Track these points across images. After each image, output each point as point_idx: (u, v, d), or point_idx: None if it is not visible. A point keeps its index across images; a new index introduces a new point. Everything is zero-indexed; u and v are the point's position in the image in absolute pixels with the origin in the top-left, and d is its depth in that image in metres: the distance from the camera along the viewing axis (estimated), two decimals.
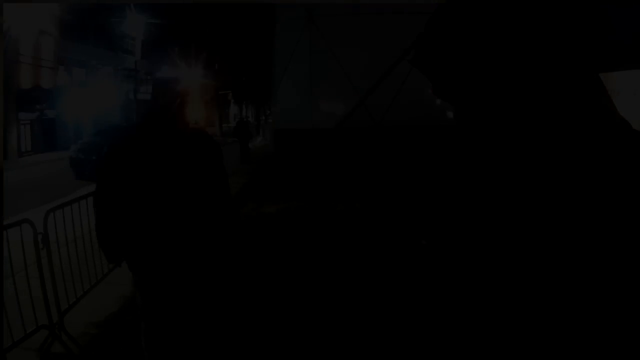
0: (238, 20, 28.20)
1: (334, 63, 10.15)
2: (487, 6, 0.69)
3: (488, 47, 0.68)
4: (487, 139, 0.72)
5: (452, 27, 0.71)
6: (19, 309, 3.16)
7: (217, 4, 24.24)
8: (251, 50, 30.83)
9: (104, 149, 2.23)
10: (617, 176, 0.62)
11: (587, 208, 0.62)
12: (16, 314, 3.11)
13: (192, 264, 2.23)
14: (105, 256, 2.29)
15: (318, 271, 4.56)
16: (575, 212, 0.62)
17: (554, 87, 0.67)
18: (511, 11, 0.67)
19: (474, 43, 0.69)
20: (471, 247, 0.72)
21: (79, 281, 3.94)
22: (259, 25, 23.59)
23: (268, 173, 12.20)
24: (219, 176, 2.32)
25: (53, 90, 23.48)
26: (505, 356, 0.68)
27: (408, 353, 2.75)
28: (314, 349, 3.10)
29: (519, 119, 0.69)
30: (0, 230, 2.73)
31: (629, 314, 0.59)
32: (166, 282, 2.23)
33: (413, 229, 5.54)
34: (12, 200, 5.68)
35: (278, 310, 3.67)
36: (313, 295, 3.94)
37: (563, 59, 0.68)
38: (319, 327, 3.34)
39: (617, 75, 7.08)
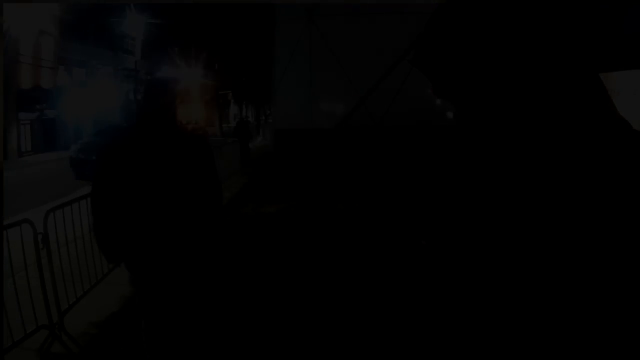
0: (238, 20, 28.22)
1: (334, 63, 10.15)
2: (487, 6, 0.69)
3: (488, 47, 0.68)
4: (487, 138, 0.72)
5: (452, 27, 0.71)
6: (19, 309, 3.16)
7: (217, 4, 24.27)
8: (251, 51, 30.85)
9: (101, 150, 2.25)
10: (617, 176, 0.62)
11: (587, 207, 0.62)
12: (16, 314, 3.11)
13: (185, 261, 2.26)
14: (105, 256, 2.30)
15: (318, 271, 4.56)
16: (575, 211, 0.62)
17: (554, 86, 0.67)
18: (511, 11, 0.67)
19: (474, 43, 0.69)
20: (471, 247, 0.72)
21: (79, 281, 3.94)
22: (259, 26, 23.57)
23: (268, 173, 12.20)
24: (209, 177, 2.34)
25: (53, 90, 23.48)
26: (506, 356, 0.68)
27: (408, 353, 2.75)
28: (313, 348, 3.10)
29: (519, 118, 0.69)
30: (0, 230, 2.73)
31: (629, 313, 0.59)
32: (161, 279, 2.26)
33: (413, 229, 5.54)
34: (12, 200, 5.69)
35: (277, 310, 3.67)
36: (313, 295, 3.94)
37: (563, 59, 0.68)
38: (319, 327, 3.34)
39: (617, 75, 7.07)
